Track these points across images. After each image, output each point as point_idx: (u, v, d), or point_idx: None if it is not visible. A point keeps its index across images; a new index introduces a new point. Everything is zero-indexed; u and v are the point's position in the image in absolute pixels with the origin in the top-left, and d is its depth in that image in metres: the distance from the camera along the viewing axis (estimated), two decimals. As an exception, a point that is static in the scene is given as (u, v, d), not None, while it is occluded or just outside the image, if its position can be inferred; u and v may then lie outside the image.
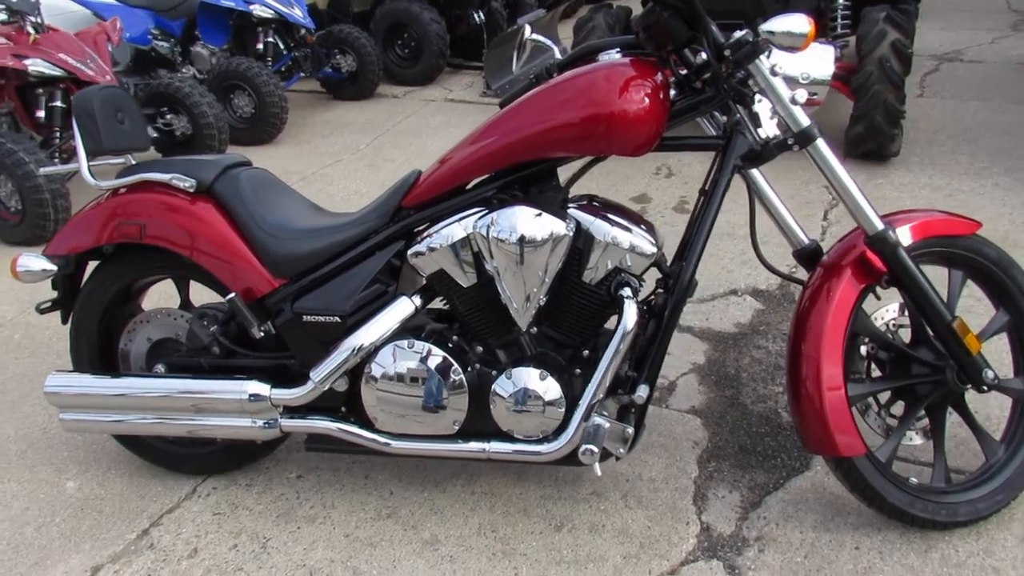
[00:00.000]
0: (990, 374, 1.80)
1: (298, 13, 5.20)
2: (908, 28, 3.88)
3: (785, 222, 1.96)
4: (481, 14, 6.15)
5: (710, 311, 2.94)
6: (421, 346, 1.85)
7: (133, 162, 2.11)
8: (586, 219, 1.79)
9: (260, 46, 5.23)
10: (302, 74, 5.50)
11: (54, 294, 2.13)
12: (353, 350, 1.85)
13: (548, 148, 1.78)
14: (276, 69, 5.25)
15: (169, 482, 2.21)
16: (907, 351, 1.88)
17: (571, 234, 1.75)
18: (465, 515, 2.04)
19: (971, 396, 1.90)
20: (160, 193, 1.98)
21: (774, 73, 1.68)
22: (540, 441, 1.85)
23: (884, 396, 1.97)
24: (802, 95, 1.67)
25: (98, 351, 2.14)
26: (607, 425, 1.79)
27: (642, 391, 1.78)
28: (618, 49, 1.84)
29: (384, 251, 1.90)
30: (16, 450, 2.36)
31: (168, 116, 4.51)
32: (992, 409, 2.24)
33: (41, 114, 3.95)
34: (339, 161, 4.75)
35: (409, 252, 1.86)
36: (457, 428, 1.88)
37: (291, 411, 1.97)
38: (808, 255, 1.95)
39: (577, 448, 1.80)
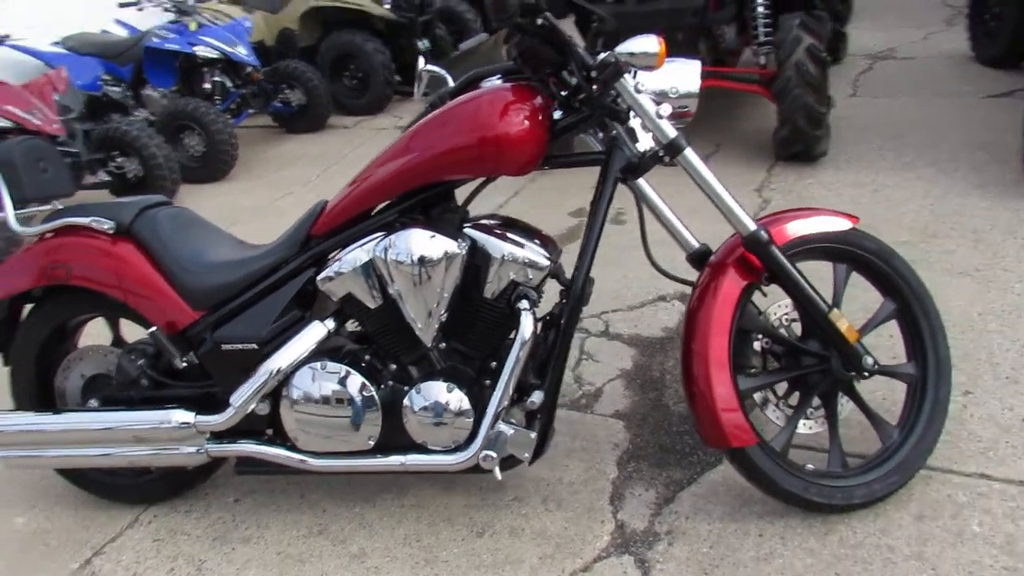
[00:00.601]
0: (869, 361, 1.91)
1: (242, 51, 5.33)
2: (822, 33, 4.03)
3: (675, 228, 2.07)
4: (426, 41, 6.28)
5: (639, 318, 3.04)
6: (335, 367, 1.95)
7: (59, 207, 2.21)
8: (481, 237, 1.90)
9: (207, 86, 5.35)
10: (251, 111, 5.63)
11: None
12: (270, 374, 1.95)
13: (440, 171, 1.89)
14: (225, 107, 5.37)
15: (113, 512, 2.29)
16: (795, 344, 1.99)
17: (463, 252, 1.85)
18: (392, 527, 2.13)
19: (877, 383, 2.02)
20: (83, 236, 2.07)
21: (638, 90, 1.80)
22: (453, 451, 1.95)
23: (782, 388, 2.08)
24: (667, 109, 1.79)
25: (36, 389, 2.22)
26: (509, 432, 1.89)
27: (535, 397, 1.88)
28: (499, 76, 1.96)
29: (296, 279, 2.00)
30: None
31: (119, 160, 4.60)
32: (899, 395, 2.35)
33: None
34: (290, 194, 4.85)
35: (319, 278, 1.96)
36: (373, 443, 1.98)
37: (219, 437, 2.05)
38: (699, 257, 2.06)
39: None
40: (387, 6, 6.07)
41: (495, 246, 1.88)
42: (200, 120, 4.96)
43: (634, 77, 1.82)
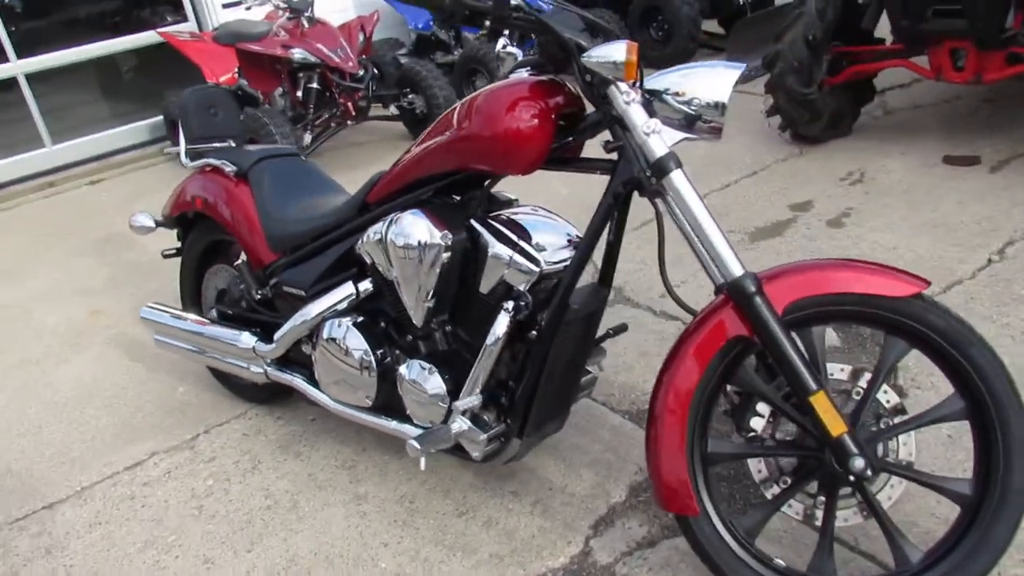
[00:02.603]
0: (858, 463, 1.52)
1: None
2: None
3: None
4: (746, -3, 5.86)
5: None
6: (346, 326, 2.12)
7: (232, 145, 2.66)
8: (482, 233, 1.89)
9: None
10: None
11: (178, 245, 2.80)
12: (301, 319, 2.19)
13: (456, 160, 1.90)
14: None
15: (235, 403, 2.78)
16: (796, 416, 1.65)
17: (446, 244, 1.86)
18: (399, 483, 2.28)
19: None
20: (218, 175, 2.49)
21: (630, 102, 1.61)
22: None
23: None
24: (654, 124, 1.58)
25: (193, 292, 2.76)
26: (464, 427, 1.90)
27: (472, 400, 1.85)
28: (529, 68, 1.88)
29: (345, 241, 2.19)
30: (151, 355, 3.11)
31: (410, 96, 5.17)
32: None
33: (299, 94, 4.86)
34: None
35: (358, 243, 2.12)
36: (370, 403, 2.13)
37: (278, 364, 2.38)
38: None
39: (456, 441, 1.95)
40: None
41: (489, 243, 1.86)
42: (486, 65, 5.31)
43: (634, 85, 1.63)
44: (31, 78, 5.85)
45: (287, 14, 4.89)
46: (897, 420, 1.64)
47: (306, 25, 4.89)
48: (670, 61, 6.02)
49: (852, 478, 1.55)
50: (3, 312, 3.89)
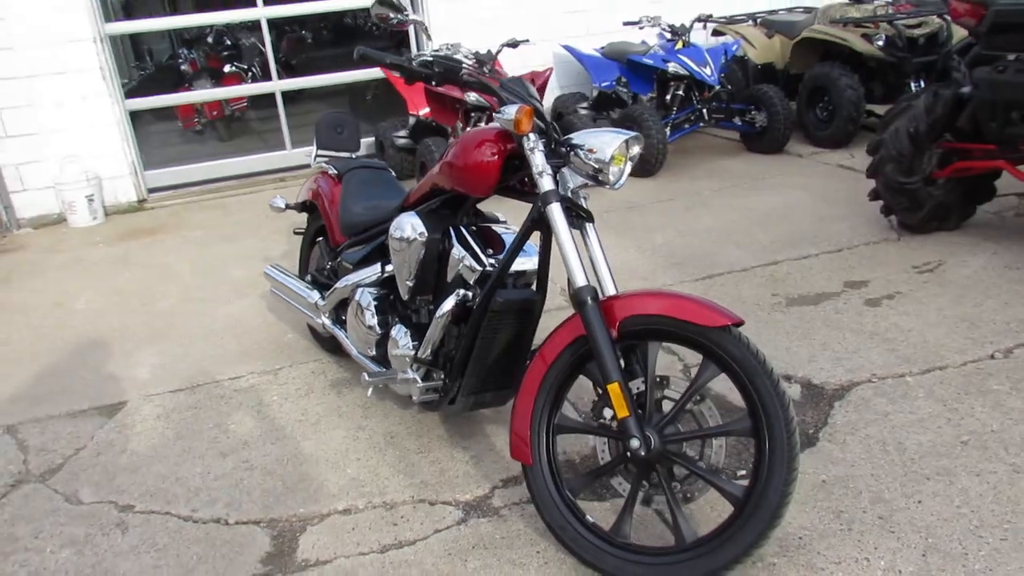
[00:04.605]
0: (634, 443, 1.95)
1: (707, 72, 5.97)
2: None
3: (598, 267, 2.28)
4: (921, 83, 5.86)
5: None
6: (369, 295, 2.84)
7: (352, 156, 3.53)
8: (453, 235, 2.53)
9: (668, 97, 6.18)
10: (700, 125, 6.25)
11: (304, 226, 3.72)
12: (344, 284, 2.96)
13: (444, 181, 2.55)
14: (675, 118, 6.14)
15: (317, 352, 3.62)
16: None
17: (423, 240, 2.52)
18: (392, 425, 2.95)
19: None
20: (327, 176, 3.36)
21: (532, 149, 2.16)
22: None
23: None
24: (542, 163, 2.12)
25: (306, 262, 3.66)
26: (408, 376, 2.54)
27: (412, 352, 2.49)
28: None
29: (384, 233, 2.92)
30: (284, 308, 4.04)
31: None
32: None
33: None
34: (672, 200, 5.47)
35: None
36: (373, 353, 2.83)
37: (333, 320, 3.16)
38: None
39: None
40: (880, 44, 5.88)
41: (454, 244, 2.50)
42: (640, 124, 5.87)
43: (542, 137, 2.19)
44: (285, 96, 7.36)
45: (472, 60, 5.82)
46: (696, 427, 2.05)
47: (487, 73, 5.77)
48: (830, 143, 6.21)
49: (628, 454, 1.98)
50: (213, 264, 5.13)
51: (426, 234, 2.54)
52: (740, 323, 1.98)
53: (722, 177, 5.91)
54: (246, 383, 3.41)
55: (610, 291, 2.23)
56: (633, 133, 2.21)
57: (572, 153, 2.23)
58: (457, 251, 2.48)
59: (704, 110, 6.21)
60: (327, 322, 3.17)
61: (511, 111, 2.15)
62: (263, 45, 7.46)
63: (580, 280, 2.09)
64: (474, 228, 2.57)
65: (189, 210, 6.58)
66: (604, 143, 2.17)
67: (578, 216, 2.27)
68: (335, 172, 3.29)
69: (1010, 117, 3.60)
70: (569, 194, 2.24)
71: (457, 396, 2.52)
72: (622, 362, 2.08)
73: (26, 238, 6.21)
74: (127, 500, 2.66)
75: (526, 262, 2.48)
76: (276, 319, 4.05)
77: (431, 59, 2.31)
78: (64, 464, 2.91)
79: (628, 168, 2.24)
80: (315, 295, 3.22)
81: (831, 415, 2.71)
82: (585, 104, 6.95)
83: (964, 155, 4.10)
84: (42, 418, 3.27)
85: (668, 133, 6.08)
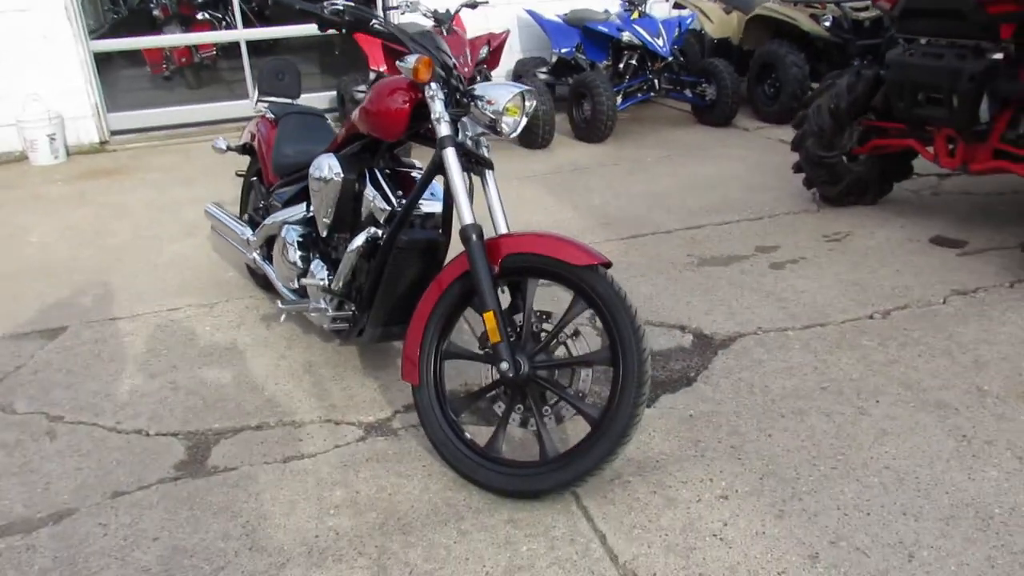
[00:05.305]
0: (503, 366, 2.19)
1: (660, 43, 6.15)
2: None
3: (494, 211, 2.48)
4: (864, 62, 6.07)
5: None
6: (293, 232, 3.03)
7: (291, 102, 3.69)
8: (367, 177, 2.72)
9: (621, 65, 6.36)
10: (652, 94, 6.44)
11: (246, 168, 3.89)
12: (271, 221, 3.15)
13: (362, 126, 2.72)
14: (628, 86, 6.32)
15: (253, 289, 3.82)
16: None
17: (338, 179, 2.70)
18: (313, 356, 3.16)
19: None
20: (265, 120, 3.52)
21: (432, 97, 2.35)
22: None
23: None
24: (441, 113, 2.31)
25: (244, 202, 3.83)
26: (320, 305, 2.75)
27: (325, 282, 2.71)
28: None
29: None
30: (228, 248, 4.22)
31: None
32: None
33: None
34: (616, 165, 5.68)
35: (311, 174, 3.03)
36: (295, 287, 3.03)
37: (263, 256, 3.35)
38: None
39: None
40: (827, 24, 6.08)
41: (367, 185, 2.70)
42: (591, 91, 6.05)
43: (443, 87, 2.37)
44: (257, 46, 7.45)
45: (432, 21, 5.96)
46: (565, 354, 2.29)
47: (444, 34, 5.92)
48: (776, 118, 6.42)
49: (498, 375, 2.21)
50: (168, 204, 5.28)
51: (341, 174, 2.72)
52: (608, 264, 2.20)
53: (668, 146, 6.13)
54: (183, 315, 3.60)
55: (503, 232, 2.45)
56: (528, 87, 2.41)
57: (472, 104, 2.42)
58: (369, 191, 2.67)
59: (656, 80, 6.40)
60: (257, 257, 3.37)
61: (411, 60, 2.33)
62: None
63: (467, 218, 2.30)
64: (388, 171, 2.76)
65: (151, 153, 6.70)
66: (499, 95, 2.37)
67: (478, 163, 2.47)
68: (272, 116, 3.46)
69: (916, 98, 3.83)
70: (468, 142, 2.43)
71: (365, 327, 2.73)
72: (508, 295, 2.30)
73: (-14, 173, 6.31)
74: (58, 412, 2.86)
75: (435, 205, 2.68)
76: (219, 258, 4.23)
77: (342, 8, 2.46)
78: (3, 379, 3.10)
79: (524, 120, 2.44)
80: (248, 232, 3.41)
81: (712, 361, 2.96)
82: (544, 69, 7.11)
83: (881, 133, 4.33)
84: (-15, 338, 3.45)
85: (620, 101, 6.27)
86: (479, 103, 2.40)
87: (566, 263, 2.21)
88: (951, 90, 3.61)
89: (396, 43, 2.50)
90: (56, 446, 2.65)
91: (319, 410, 2.79)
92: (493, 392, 2.38)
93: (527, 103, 2.42)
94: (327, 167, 2.75)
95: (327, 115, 3.56)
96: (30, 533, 2.24)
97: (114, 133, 6.97)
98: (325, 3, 2.48)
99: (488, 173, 2.51)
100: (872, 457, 2.36)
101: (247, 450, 2.58)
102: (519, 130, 2.43)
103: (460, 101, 2.43)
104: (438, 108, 2.36)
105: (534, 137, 6.02)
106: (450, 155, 2.34)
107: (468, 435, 2.37)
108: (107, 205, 5.34)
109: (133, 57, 9.62)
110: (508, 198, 5.04)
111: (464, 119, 2.44)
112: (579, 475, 2.16)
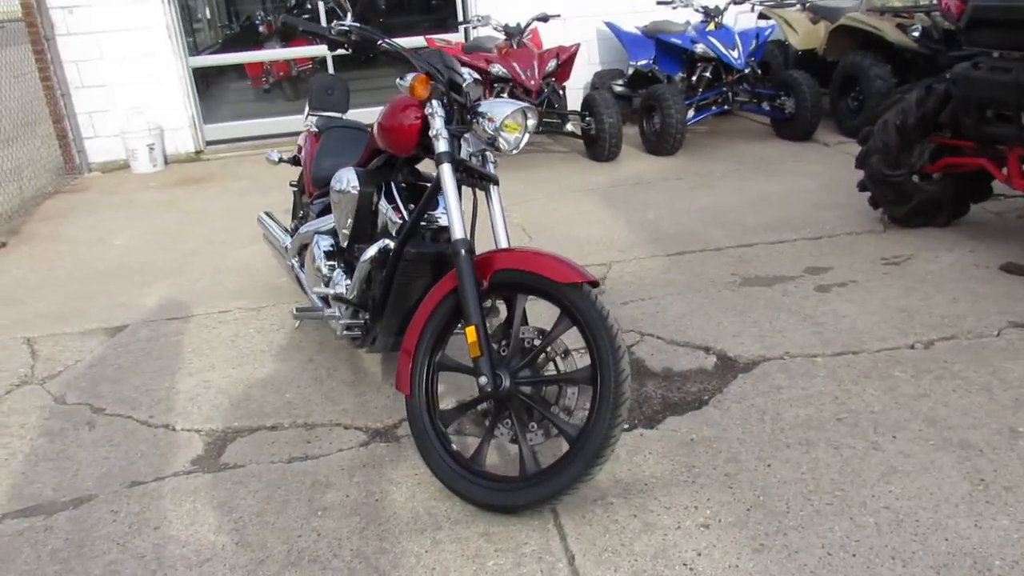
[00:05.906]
0: (482, 380, 2.20)
1: (734, 55, 6.00)
2: None
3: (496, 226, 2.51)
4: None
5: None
6: (322, 242, 3.15)
7: (341, 116, 3.84)
8: (383, 190, 2.80)
9: (695, 78, 6.24)
10: (726, 107, 6.28)
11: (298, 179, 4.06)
12: (305, 230, 3.28)
13: (379, 142, 2.81)
14: (701, 99, 6.19)
15: (302, 294, 3.98)
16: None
17: (355, 192, 2.79)
18: (348, 358, 3.27)
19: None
20: (310, 133, 3.68)
21: (432, 115, 2.40)
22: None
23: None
24: (441, 128, 2.35)
25: (295, 211, 4.00)
26: (332, 312, 2.84)
27: (341, 291, 2.79)
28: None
29: (341, 187, 3.23)
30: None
31: (588, 119, 6.03)
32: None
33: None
34: (679, 179, 5.57)
35: (337, 186, 3.14)
36: (322, 293, 3.14)
37: (300, 263, 3.50)
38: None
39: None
40: (915, 35, 5.77)
41: (383, 198, 2.78)
42: (661, 103, 5.96)
43: (443, 103, 2.42)
44: (360, 60, 7.76)
45: (503, 35, 6.05)
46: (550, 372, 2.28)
47: (514, 47, 5.99)
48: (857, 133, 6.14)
49: (479, 391, 2.23)
50: (244, 211, 5.57)
51: (358, 187, 2.81)
52: (595, 283, 2.19)
53: (738, 160, 5.96)
54: (232, 316, 3.80)
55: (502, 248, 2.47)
56: (528, 104, 2.43)
57: (475, 121, 2.46)
58: (383, 204, 2.75)
59: (730, 93, 6.24)
60: (295, 264, 3.51)
61: (408, 78, 2.39)
62: (340, 9, 7.85)
63: (458, 233, 2.33)
64: (405, 185, 2.83)
65: (239, 163, 7.09)
66: (499, 112, 2.40)
67: (481, 178, 2.50)
68: (315, 130, 3.61)
69: (984, 115, 3.58)
70: (470, 157, 2.47)
71: (378, 336, 2.81)
72: (501, 309, 2.32)
73: (93, 180, 6.85)
74: (101, 404, 3.08)
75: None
76: (275, 265, 4.43)
77: (348, 28, 2.55)
78: (62, 372, 3.36)
79: (526, 137, 2.46)
80: (288, 240, 3.56)
81: (729, 385, 2.87)
82: (620, 81, 7.07)
83: (954, 151, 4.08)
84: (57, 333, 3.75)
85: (692, 114, 6.15)
86: (480, 120, 2.44)
87: (551, 280, 2.21)
88: (1019, 106, 3.36)
89: (403, 61, 2.57)
90: (92, 436, 2.86)
91: (331, 414, 2.89)
92: (484, 406, 2.41)
93: (529, 120, 2.44)
94: (346, 180, 2.85)
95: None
96: (51, 515, 2.43)
97: (209, 143, 7.42)
98: (332, 24, 2.57)
99: (492, 188, 2.53)
100: (873, 495, 2.23)
101: (258, 449, 2.70)
102: (521, 146, 2.45)
103: (464, 118, 2.47)
104: (437, 125, 2.41)
105: (600, 150, 6.00)
106: (445, 171, 2.38)
107: (455, 447, 2.40)
108: (190, 211, 5.69)
109: (239, 71, 10.19)
110: (564, 211, 5.07)
111: (467, 135, 2.48)
112: (555, 492, 2.15)
